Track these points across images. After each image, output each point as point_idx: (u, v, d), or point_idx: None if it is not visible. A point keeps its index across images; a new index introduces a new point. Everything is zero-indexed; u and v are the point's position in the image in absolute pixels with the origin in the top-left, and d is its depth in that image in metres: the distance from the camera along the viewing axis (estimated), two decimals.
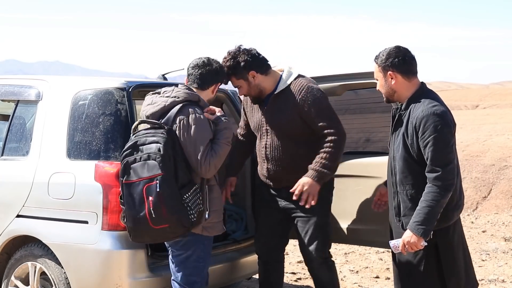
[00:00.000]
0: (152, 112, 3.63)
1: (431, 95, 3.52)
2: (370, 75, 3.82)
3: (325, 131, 3.90)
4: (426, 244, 3.41)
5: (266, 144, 4.06)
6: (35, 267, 4.07)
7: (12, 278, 4.21)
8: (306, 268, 6.79)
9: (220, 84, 3.90)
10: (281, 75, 4.05)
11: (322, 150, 3.88)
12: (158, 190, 3.39)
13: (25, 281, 4.17)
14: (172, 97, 3.63)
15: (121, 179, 3.52)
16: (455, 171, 3.41)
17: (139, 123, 3.64)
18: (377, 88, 3.64)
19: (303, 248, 4.15)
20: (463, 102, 56.85)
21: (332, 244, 4.27)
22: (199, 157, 3.53)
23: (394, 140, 3.59)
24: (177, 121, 3.56)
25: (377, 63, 3.59)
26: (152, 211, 3.41)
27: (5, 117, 4.62)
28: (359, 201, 4.35)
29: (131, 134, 3.63)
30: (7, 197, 4.21)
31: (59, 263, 3.94)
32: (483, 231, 8.74)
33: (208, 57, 3.82)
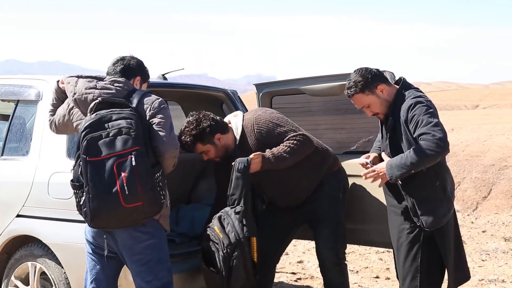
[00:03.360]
0: (108, 96, 3.41)
1: (411, 88, 3.65)
2: None
3: (286, 136, 3.97)
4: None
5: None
6: (35, 267, 4.08)
7: (12, 278, 4.21)
8: (306, 268, 6.81)
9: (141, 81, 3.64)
10: (231, 127, 4.10)
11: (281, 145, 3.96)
12: (133, 164, 3.14)
13: (25, 281, 4.17)
14: (125, 88, 3.45)
15: (84, 156, 3.21)
16: (448, 144, 3.43)
17: (99, 103, 3.33)
18: (372, 114, 3.71)
19: (318, 249, 4.16)
20: (463, 102, 56.85)
21: None
22: (167, 139, 3.31)
23: (390, 142, 3.65)
24: (145, 102, 3.39)
25: (358, 92, 3.65)
26: (126, 187, 3.13)
27: (5, 117, 4.63)
28: (359, 201, 4.34)
29: (88, 114, 3.33)
30: (7, 197, 4.22)
31: (59, 263, 3.94)
32: (483, 231, 8.75)
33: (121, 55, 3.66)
